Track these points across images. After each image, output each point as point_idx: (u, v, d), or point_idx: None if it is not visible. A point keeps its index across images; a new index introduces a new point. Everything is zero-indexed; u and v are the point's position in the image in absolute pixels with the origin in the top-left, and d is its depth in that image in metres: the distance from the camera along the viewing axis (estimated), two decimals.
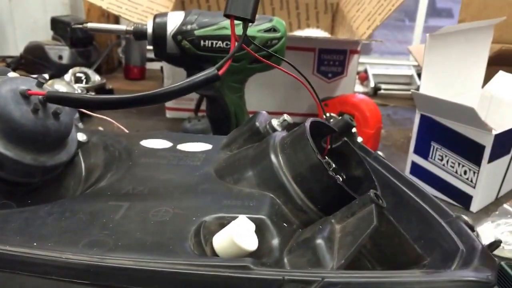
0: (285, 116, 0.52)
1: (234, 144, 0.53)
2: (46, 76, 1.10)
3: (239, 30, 0.41)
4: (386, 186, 0.47)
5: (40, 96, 0.43)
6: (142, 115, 1.19)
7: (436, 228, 0.40)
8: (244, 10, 0.41)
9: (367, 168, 0.46)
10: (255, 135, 0.51)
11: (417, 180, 0.88)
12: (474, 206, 0.83)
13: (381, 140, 1.09)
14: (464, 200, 0.84)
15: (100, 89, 1.22)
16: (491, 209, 0.84)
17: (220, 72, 0.41)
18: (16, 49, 1.56)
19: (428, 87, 0.85)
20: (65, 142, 0.48)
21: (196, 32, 0.77)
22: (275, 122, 0.52)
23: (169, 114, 1.21)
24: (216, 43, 0.78)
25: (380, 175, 0.48)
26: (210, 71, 0.41)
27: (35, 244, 0.35)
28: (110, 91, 1.27)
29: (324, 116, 0.54)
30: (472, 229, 0.38)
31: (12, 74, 0.47)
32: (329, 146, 0.49)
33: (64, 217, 0.39)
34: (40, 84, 0.45)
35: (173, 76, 1.13)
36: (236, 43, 0.41)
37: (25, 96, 0.43)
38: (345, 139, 0.49)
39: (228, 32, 0.77)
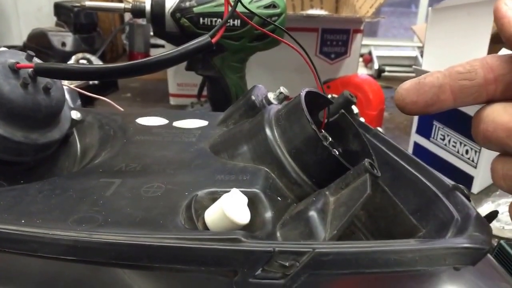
0: (281, 89, 0.51)
1: (230, 120, 0.52)
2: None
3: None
4: (386, 162, 0.45)
5: (29, 70, 0.42)
6: (146, 103, 1.19)
7: (432, 199, 0.38)
8: None
9: (364, 141, 0.45)
10: (251, 109, 0.50)
11: None
12: (476, 187, 0.82)
13: (384, 122, 1.07)
14: (466, 181, 0.83)
15: None
16: (491, 190, 0.83)
17: (214, 40, 0.39)
18: (20, 38, 1.55)
19: (430, 63, 0.83)
20: (58, 119, 0.47)
21: (195, 9, 0.76)
22: (271, 96, 0.51)
23: (173, 101, 1.21)
24: (216, 21, 0.77)
25: (380, 151, 0.47)
26: (203, 38, 0.40)
27: (23, 221, 0.34)
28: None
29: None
30: (468, 198, 0.37)
31: (1, 49, 0.47)
32: (326, 119, 0.48)
33: (54, 194, 0.38)
34: (29, 58, 0.44)
35: None
36: (230, 9, 0.40)
37: (14, 70, 0.42)
38: (343, 111, 0.48)
39: None
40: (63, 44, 1.35)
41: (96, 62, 1.23)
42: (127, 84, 1.46)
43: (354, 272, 0.29)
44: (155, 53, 1.58)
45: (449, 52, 0.88)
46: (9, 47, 1.42)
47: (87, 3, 0.79)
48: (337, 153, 0.46)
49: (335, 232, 0.32)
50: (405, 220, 0.37)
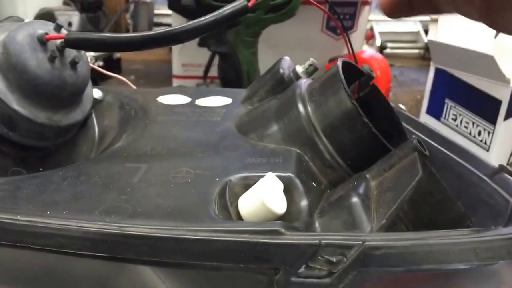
0: (311, 60, 0.47)
1: (255, 96, 0.49)
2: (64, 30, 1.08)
3: None
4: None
5: (59, 41, 0.39)
6: (150, 85, 1.16)
7: (477, 183, 0.36)
8: None
9: (397, 118, 0.43)
10: (278, 84, 0.47)
11: None
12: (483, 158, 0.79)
13: None
14: None
15: (108, 58, 1.20)
16: None
17: (250, 3, 0.37)
18: (26, 18, 1.52)
19: (442, 38, 0.80)
20: (80, 98, 0.44)
21: None
22: (299, 69, 0.47)
23: (176, 83, 1.18)
24: None
25: (406, 130, 0.44)
26: (239, 2, 0.37)
27: (48, 212, 0.32)
28: (118, 61, 1.25)
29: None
30: None
31: (28, 20, 0.44)
32: (356, 94, 0.45)
33: (79, 182, 0.36)
34: (58, 28, 0.41)
35: None
36: None
37: (42, 41, 0.39)
38: (374, 84, 0.45)
39: None
40: (70, 24, 1.34)
41: None
42: (130, 67, 1.44)
43: (408, 269, 0.27)
44: None
45: (460, 26, 0.84)
46: (18, 17, 1.40)
47: None
48: None
49: (384, 221, 0.30)
50: (453, 207, 0.34)
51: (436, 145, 0.41)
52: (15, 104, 0.39)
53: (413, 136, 0.33)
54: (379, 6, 0.35)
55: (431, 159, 0.39)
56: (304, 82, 0.43)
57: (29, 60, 0.38)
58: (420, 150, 0.32)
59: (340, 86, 0.38)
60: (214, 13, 0.37)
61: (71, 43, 0.39)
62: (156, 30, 0.37)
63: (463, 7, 0.32)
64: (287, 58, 0.50)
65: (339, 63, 0.40)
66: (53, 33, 0.40)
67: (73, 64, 0.41)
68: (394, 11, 0.35)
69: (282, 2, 0.79)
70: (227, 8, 0.37)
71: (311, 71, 0.47)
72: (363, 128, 0.37)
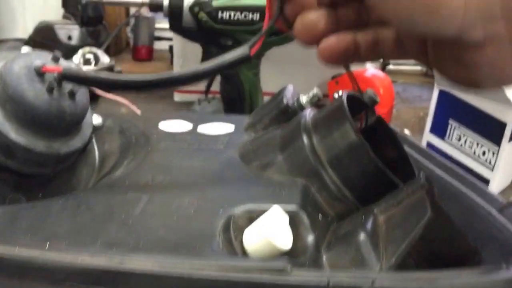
0: (315, 90, 0.47)
1: (259, 124, 0.48)
2: (59, 53, 1.07)
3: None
4: (418, 170, 0.42)
5: (56, 73, 0.39)
6: (149, 99, 1.16)
7: (485, 217, 0.35)
8: None
9: (403, 149, 0.42)
10: (283, 113, 0.47)
11: None
12: (492, 191, 0.79)
13: (392, 119, 1.04)
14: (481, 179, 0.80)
15: (109, 71, 1.19)
16: (506, 193, 0.81)
17: (253, 51, 0.36)
18: (25, 31, 1.51)
19: None
20: (80, 126, 0.44)
21: (214, 3, 0.74)
22: (304, 99, 0.47)
23: (177, 97, 1.18)
24: (235, 15, 0.74)
25: (412, 159, 0.44)
26: (242, 51, 0.36)
27: (48, 244, 0.31)
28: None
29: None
30: None
31: (25, 49, 0.43)
32: (362, 125, 0.44)
33: (79, 212, 0.35)
34: (56, 59, 0.40)
35: (184, 55, 1.09)
36: (271, 17, 0.37)
37: (40, 73, 0.39)
38: (380, 116, 0.44)
39: (247, 2, 0.74)
40: (69, 37, 1.32)
41: (102, 56, 1.20)
42: None
43: None
44: (159, 46, 1.56)
45: None
46: (14, 40, 1.39)
47: None
48: None
49: (393, 260, 0.29)
50: (462, 243, 0.34)
51: (445, 175, 0.41)
52: (13, 133, 0.38)
53: (422, 172, 0.32)
54: (319, 56, 0.35)
55: (440, 191, 0.38)
56: (308, 113, 0.42)
57: (26, 91, 0.38)
58: (428, 188, 0.31)
59: (345, 120, 0.38)
60: (216, 60, 0.36)
61: (67, 78, 0.39)
62: (153, 73, 0.36)
63: (415, 56, 0.34)
64: (290, 87, 0.50)
65: (344, 96, 0.39)
66: (50, 65, 0.40)
67: (72, 94, 0.40)
68: (338, 61, 0.35)
69: (279, 39, 0.79)
70: (229, 56, 0.36)
71: (315, 101, 0.47)
72: (369, 163, 0.36)
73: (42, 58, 0.40)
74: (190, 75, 0.36)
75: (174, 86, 0.36)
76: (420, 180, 0.32)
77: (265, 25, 0.37)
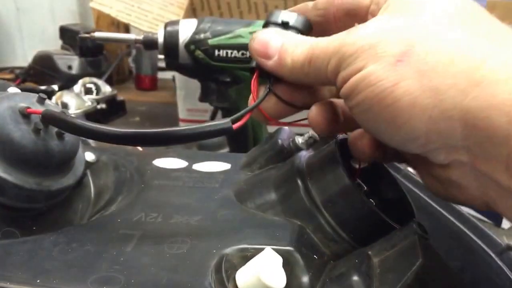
0: (311, 133, 0.48)
1: (255, 164, 0.48)
2: (55, 87, 1.07)
3: None
4: (421, 208, 0.42)
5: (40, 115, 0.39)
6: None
7: (483, 259, 0.35)
8: None
9: (402, 190, 0.42)
10: (278, 154, 0.47)
11: None
12: (506, 222, 0.78)
13: None
14: (494, 215, 0.79)
15: (111, 100, 1.18)
16: None
17: (235, 126, 0.35)
18: (24, 60, 1.53)
19: None
20: (71, 164, 0.44)
21: (210, 41, 0.74)
22: (299, 140, 0.48)
23: (183, 126, 1.17)
24: (231, 53, 0.74)
25: (413, 195, 0.44)
26: (224, 123, 0.35)
27: (38, 281, 0.31)
28: (121, 103, 1.23)
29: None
30: None
31: (12, 89, 0.43)
32: (360, 166, 0.45)
33: (71, 248, 0.35)
34: (41, 101, 0.41)
35: (185, 87, 1.10)
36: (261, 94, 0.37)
37: (25, 114, 0.39)
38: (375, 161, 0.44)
39: (244, 41, 0.74)
40: (69, 67, 1.32)
41: (103, 86, 1.20)
42: (135, 108, 1.43)
43: None
44: (162, 76, 1.56)
45: None
46: (13, 68, 1.40)
47: (96, 34, 0.76)
48: (373, 203, 0.43)
49: None
50: (458, 285, 0.34)
51: (444, 212, 0.41)
52: (1, 171, 0.38)
53: (414, 219, 0.32)
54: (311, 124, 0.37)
55: (438, 228, 0.38)
56: (303, 155, 0.43)
57: (13, 132, 0.38)
58: (420, 234, 0.31)
59: (337, 165, 0.38)
60: (196, 127, 0.35)
61: (47, 120, 0.39)
62: (133, 129, 0.36)
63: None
64: (286, 128, 0.50)
65: (336, 142, 0.40)
66: (35, 106, 0.40)
67: (60, 134, 0.40)
68: (329, 130, 0.37)
69: None
70: (210, 125, 0.35)
71: (311, 143, 0.47)
72: (363, 206, 0.37)
73: (27, 100, 0.40)
74: (164, 135, 0.35)
75: (147, 144, 0.36)
76: (411, 227, 0.32)
77: (251, 102, 0.37)
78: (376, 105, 0.30)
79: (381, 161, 0.40)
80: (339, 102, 0.38)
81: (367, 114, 0.31)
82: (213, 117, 1.05)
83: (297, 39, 0.36)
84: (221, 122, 0.35)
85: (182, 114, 1.22)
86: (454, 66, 0.27)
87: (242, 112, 0.36)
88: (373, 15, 0.34)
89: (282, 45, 0.35)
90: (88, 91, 1.16)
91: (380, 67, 0.29)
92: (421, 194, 0.44)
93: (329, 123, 0.37)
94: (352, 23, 0.35)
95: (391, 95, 0.29)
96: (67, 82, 1.22)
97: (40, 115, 0.39)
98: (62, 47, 1.40)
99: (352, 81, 0.31)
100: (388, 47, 0.29)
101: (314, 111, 0.37)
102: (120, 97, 1.24)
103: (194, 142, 0.36)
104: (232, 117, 0.36)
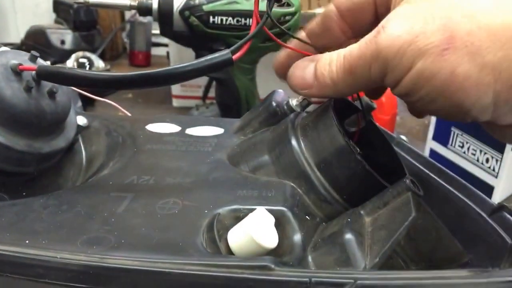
0: None
1: (248, 127, 0.48)
2: (48, 63, 1.06)
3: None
4: (413, 174, 0.42)
5: (33, 72, 0.38)
6: (148, 104, 1.15)
7: (476, 220, 0.35)
8: None
9: (394, 153, 0.42)
10: (272, 116, 0.46)
11: None
12: (496, 198, 0.78)
13: (396, 127, 1.04)
14: (485, 191, 0.79)
15: None
16: (511, 200, 0.80)
17: (235, 57, 0.35)
18: (17, 35, 1.50)
19: None
20: (63, 126, 0.43)
21: (205, 7, 0.73)
22: (293, 102, 0.47)
23: (176, 102, 1.17)
24: (227, 20, 0.73)
25: (406, 162, 0.44)
26: (223, 54, 0.35)
27: (27, 241, 0.31)
28: None
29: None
30: None
31: (3, 48, 0.43)
32: (355, 128, 0.44)
33: (61, 210, 0.35)
34: (33, 58, 0.40)
35: (180, 61, 1.08)
36: (258, 24, 0.36)
37: (17, 72, 0.38)
38: (371, 119, 0.44)
39: (240, 7, 0.73)
40: (62, 42, 1.30)
41: (97, 61, 1.19)
42: None
43: None
44: (157, 52, 1.55)
45: None
46: (6, 44, 1.38)
47: (91, 0, 0.75)
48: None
49: (377, 259, 0.29)
50: (450, 244, 0.34)
51: (436, 178, 0.40)
52: None
53: (407, 176, 0.32)
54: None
55: (430, 193, 0.38)
56: (297, 116, 0.42)
57: (3, 89, 0.37)
58: (413, 190, 0.31)
59: (332, 123, 0.37)
60: (196, 61, 0.35)
61: (43, 76, 0.38)
62: (135, 71, 0.35)
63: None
64: (280, 91, 0.49)
65: (330, 101, 0.39)
66: (27, 64, 0.39)
67: (51, 93, 0.40)
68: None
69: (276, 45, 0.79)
70: (210, 58, 0.35)
71: (305, 105, 0.46)
72: (356, 165, 0.36)
73: (19, 58, 0.39)
74: (166, 74, 0.35)
75: (151, 85, 0.35)
76: (404, 183, 0.32)
77: (252, 29, 0.36)
78: (441, 96, 0.30)
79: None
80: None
81: (433, 105, 0.31)
82: (206, 92, 1.05)
83: (327, 57, 0.35)
84: (221, 53, 0.35)
85: (175, 90, 1.21)
86: (497, 38, 0.28)
87: (241, 41, 0.36)
88: (386, 7, 0.34)
89: (315, 70, 0.36)
90: (81, 66, 1.15)
91: (429, 61, 0.29)
92: (414, 162, 0.44)
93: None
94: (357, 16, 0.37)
95: (453, 85, 0.29)
96: (61, 58, 1.21)
97: (34, 72, 0.38)
98: (56, 22, 1.38)
99: (406, 81, 0.31)
100: (428, 39, 0.29)
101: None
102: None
103: (198, 77, 0.35)
104: (232, 48, 0.35)
